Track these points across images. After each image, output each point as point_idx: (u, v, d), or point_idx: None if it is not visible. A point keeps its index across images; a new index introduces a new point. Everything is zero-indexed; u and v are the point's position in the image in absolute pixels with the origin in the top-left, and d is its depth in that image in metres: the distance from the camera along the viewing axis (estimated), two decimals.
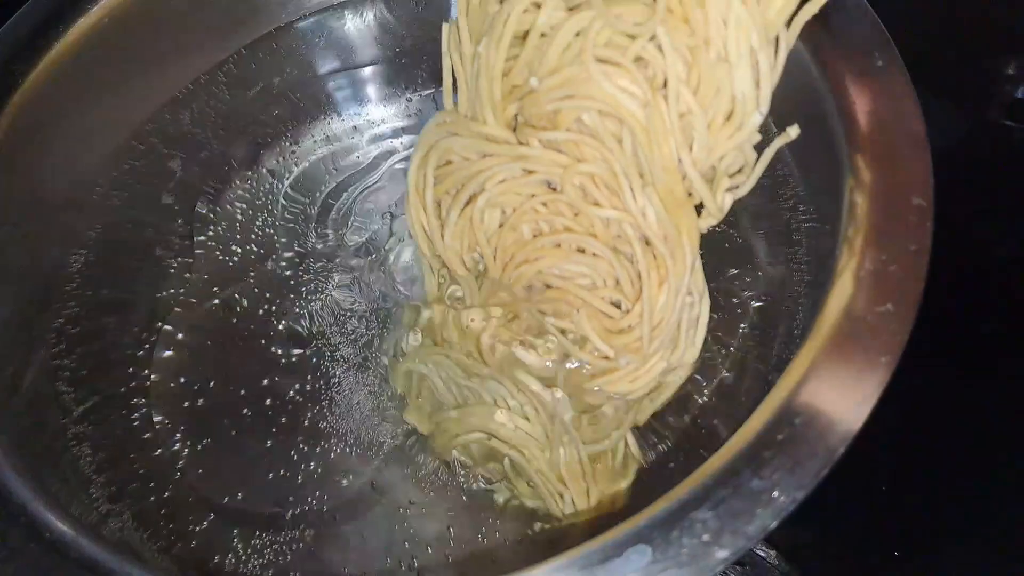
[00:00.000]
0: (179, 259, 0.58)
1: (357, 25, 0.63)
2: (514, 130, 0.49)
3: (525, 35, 0.45)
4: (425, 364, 0.54)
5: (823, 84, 0.46)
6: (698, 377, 0.50)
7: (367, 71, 0.64)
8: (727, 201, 0.44)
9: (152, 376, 0.54)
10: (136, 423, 0.53)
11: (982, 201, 0.61)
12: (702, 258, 0.46)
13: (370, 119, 0.65)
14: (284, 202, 0.60)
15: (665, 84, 0.42)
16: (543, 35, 0.44)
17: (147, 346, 0.55)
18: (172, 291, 0.57)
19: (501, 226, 0.50)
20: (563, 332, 0.49)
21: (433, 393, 0.54)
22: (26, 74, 0.53)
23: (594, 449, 0.49)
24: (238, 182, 0.61)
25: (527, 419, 0.50)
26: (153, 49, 0.57)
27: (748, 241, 0.53)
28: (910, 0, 0.60)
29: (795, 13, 0.40)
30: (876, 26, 0.46)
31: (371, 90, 0.64)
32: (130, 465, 0.50)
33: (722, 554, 0.33)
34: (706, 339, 0.48)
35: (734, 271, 0.52)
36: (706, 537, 0.34)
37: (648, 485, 0.48)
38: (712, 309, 0.48)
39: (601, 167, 0.45)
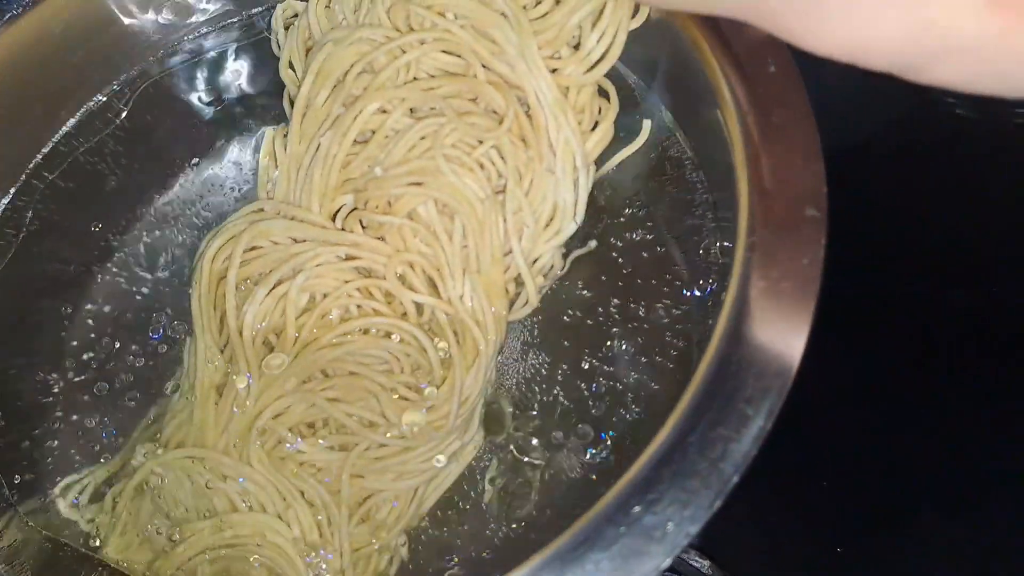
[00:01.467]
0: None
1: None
2: (332, 220, 0.50)
3: (369, 135, 0.51)
4: (166, 471, 0.49)
5: (718, 91, 0.46)
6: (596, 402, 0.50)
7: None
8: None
9: None
10: None
11: (921, 182, 0.60)
12: (623, 269, 0.50)
13: None
14: None
15: (504, 189, 0.47)
16: (387, 136, 0.48)
17: None
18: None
19: (307, 310, 0.49)
20: (353, 416, 0.48)
21: (152, 512, 0.50)
22: None
23: (361, 553, 0.48)
24: None
25: (287, 524, 0.48)
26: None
27: (666, 248, 0.53)
28: None
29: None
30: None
31: None
32: None
33: None
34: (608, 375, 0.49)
35: (653, 282, 0.52)
36: None
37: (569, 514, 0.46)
38: (632, 322, 0.50)
39: (427, 254, 0.48)
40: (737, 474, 0.37)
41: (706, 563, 0.51)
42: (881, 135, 0.66)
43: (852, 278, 0.48)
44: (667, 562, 0.35)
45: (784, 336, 0.39)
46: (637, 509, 0.36)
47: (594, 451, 0.49)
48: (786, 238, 0.41)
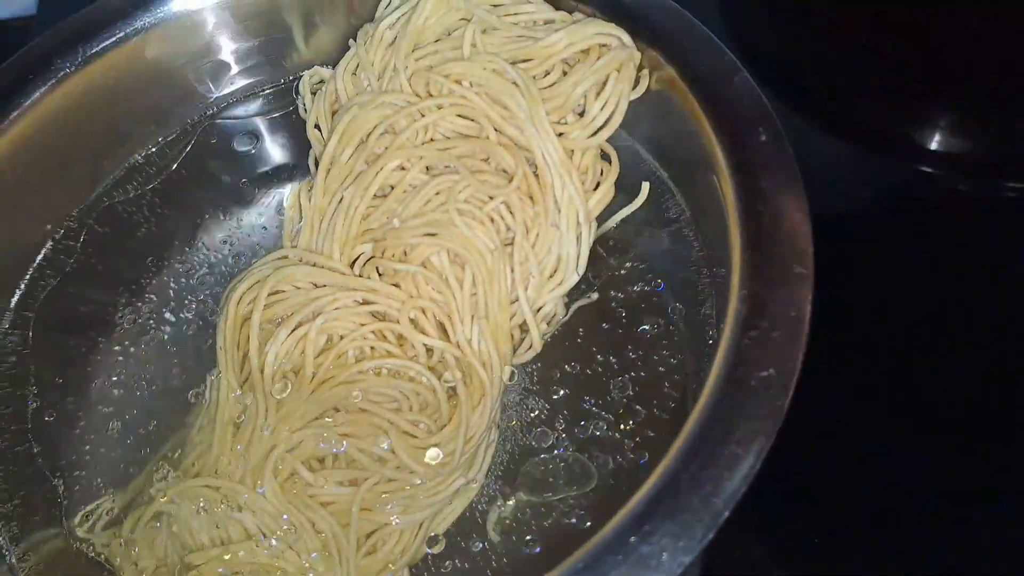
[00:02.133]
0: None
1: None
2: (351, 267, 0.54)
3: (389, 190, 0.55)
4: (182, 500, 0.52)
5: (714, 157, 0.49)
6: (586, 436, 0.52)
7: None
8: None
9: None
10: None
11: (898, 249, 0.63)
12: (623, 319, 0.53)
13: None
14: None
15: (512, 242, 0.51)
16: (404, 191, 0.52)
17: None
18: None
19: (325, 350, 0.52)
20: (363, 451, 0.52)
21: (167, 541, 0.52)
22: None
23: None
24: None
25: (297, 554, 0.50)
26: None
27: (663, 300, 0.55)
28: (837, 48, 0.65)
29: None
30: (759, 101, 0.49)
31: None
32: None
33: None
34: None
35: (646, 327, 0.55)
36: None
37: (569, 521, 0.49)
38: (631, 370, 0.53)
39: (438, 301, 0.52)
40: (727, 509, 0.39)
41: None
42: (870, 203, 0.69)
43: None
44: None
45: (774, 382, 0.42)
46: (633, 540, 0.39)
47: (590, 494, 0.52)
48: (776, 292, 0.44)
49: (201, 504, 0.52)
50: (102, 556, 0.52)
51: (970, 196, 0.71)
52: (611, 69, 0.53)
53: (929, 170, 0.71)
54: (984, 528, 0.55)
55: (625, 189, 0.58)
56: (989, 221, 0.68)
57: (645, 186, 0.56)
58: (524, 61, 0.54)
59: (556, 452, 0.53)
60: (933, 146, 0.70)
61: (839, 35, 0.75)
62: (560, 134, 0.53)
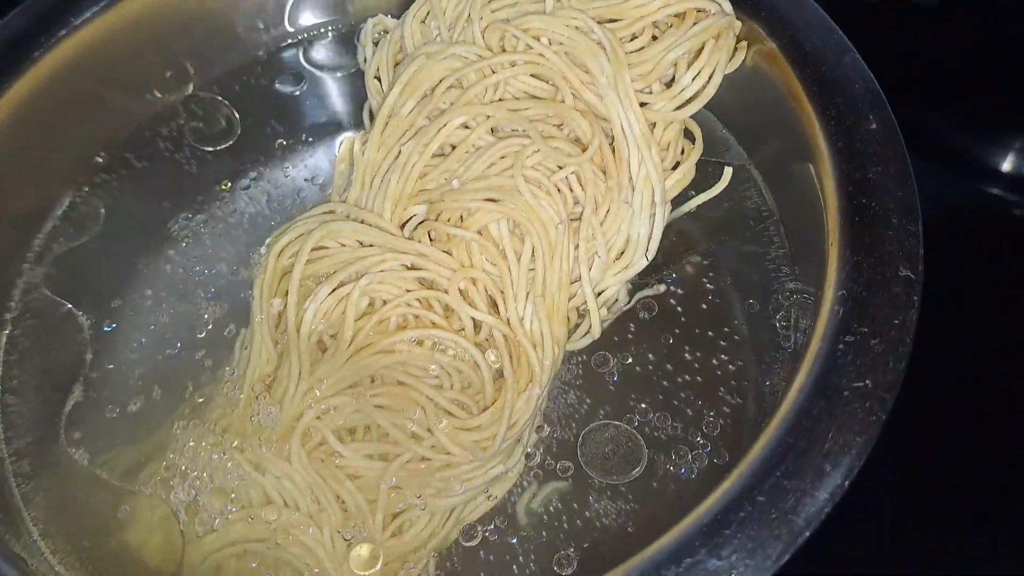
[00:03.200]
0: None
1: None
2: (401, 229, 0.49)
3: (450, 150, 0.51)
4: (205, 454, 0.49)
5: (814, 144, 0.45)
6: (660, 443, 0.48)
7: None
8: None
9: None
10: None
11: (971, 273, 0.60)
12: (681, 317, 0.48)
13: None
14: None
15: (580, 217, 0.46)
16: (467, 152, 0.47)
17: None
18: None
19: (366, 314, 0.48)
20: (398, 426, 0.47)
21: (183, 497, 0.49)
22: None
23: (390, 568, 0.46)
24: None
25: (319, 527, 0.47)
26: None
27: (728, 301, 0.51)
28: (914, 67, 0.63)
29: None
30: (871, 85, 0.45)
31: None
32: None
33: None
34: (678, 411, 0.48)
35: (710, 334, 0.51)
36: None
37: (608, 525, 0.45)
38: (685, 373, 0.49)
39: (492, 273, 0.47)
40: (808, 529, 0.35)
41: None
42: (937, 221, 0.65)
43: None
44: None
45: (870, 394, 0.37)
46: (702, 551, 0.34)
47: (632, 503, 0.47)
48: (877, 295, 0.40)
49: (222, 463, 0.48)
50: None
51: None
52: (708, 37, 0.48)
53: (999, 192, 0.69)
54: None
55: (704, 172, 0.52)
56: None
57: (728, 171, 0.51)
58: (611, 21, 0.50)
59: (601, 449, 0.49)
60: (1005, 168, 0.68)
61: (919, 48, 0.73)
62: (643, 104, 0.49)
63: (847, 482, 0.36)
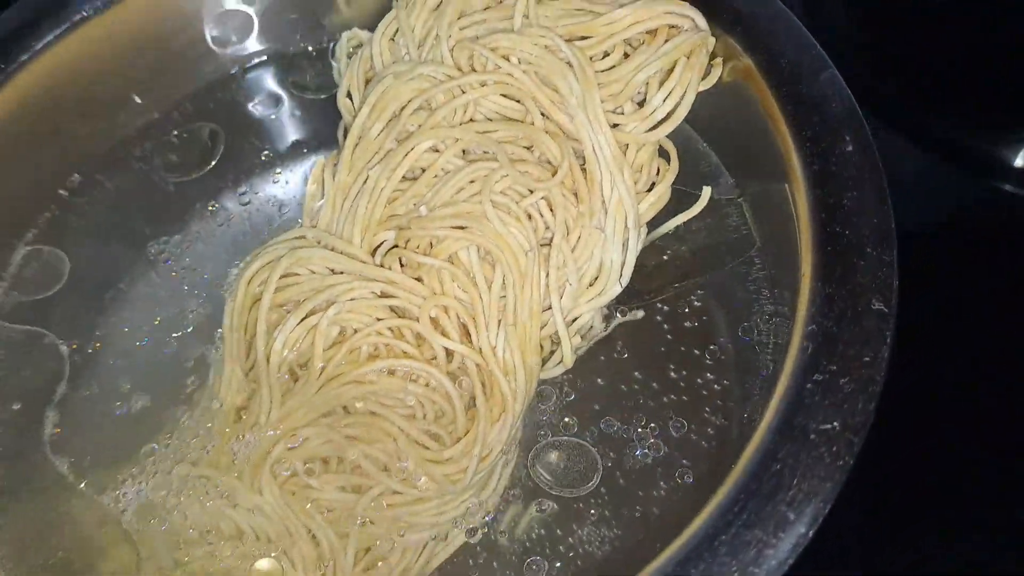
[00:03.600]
0: None
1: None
2: (372, 254, 0.48)
3: (419, 173, 0.50)
4: (178, 487, 0.48)
5: (789, 165, 0.44)
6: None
7: None
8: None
9: None
10: None
11: (982, 269, 0.59)
12: (669, 338, 0.48)
13: None
14: None
15: (550, 243, 0.45)
16: (436, 176, 0.46)
17: None
18: None
19: (337, 343, 0.47)
20: (370, 458, 0.47)
21: (159, 531, 0.48)
22: None
23: None
24: None
25: (291, 561, 0.46)
26: None
27: (713, 320, 0.50)
28: (925, 62, 0.62)
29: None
30: (848, 104, 0.43)
31: None
32: None
33: None
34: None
35: (696, 352, 0.50)
36: None
37: (589, 551, 0.45)
38: (671, 392, 0.48)
39: (463, 301, 0.46)
40: None
41: None
42: (946, 218, 0.65)
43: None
44: None
45: (838, 437, 0.36)
46: None
47: (616, 528, 0.46)
48: (848, 331, 0.38)
49: (195, 496, 0.47)
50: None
51: None
52: (680, 55, 0.46)
53: (1011, 188, 0.67)
54: None
55: (681, 193, 0.51)
56: None
57: (706, 191, 0.50)
58: (581, 39, 0.48)
59: (581, 474, 0.48)
60: (1018, 163, 0.67)
61: (926, 45, 0.70)
62: (615, 125, 0.47)
63: (811, 531, 0.34)
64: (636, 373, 0.50)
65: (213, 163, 0.60)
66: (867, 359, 0.37)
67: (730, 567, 0.34)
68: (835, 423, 0.36)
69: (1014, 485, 0.53)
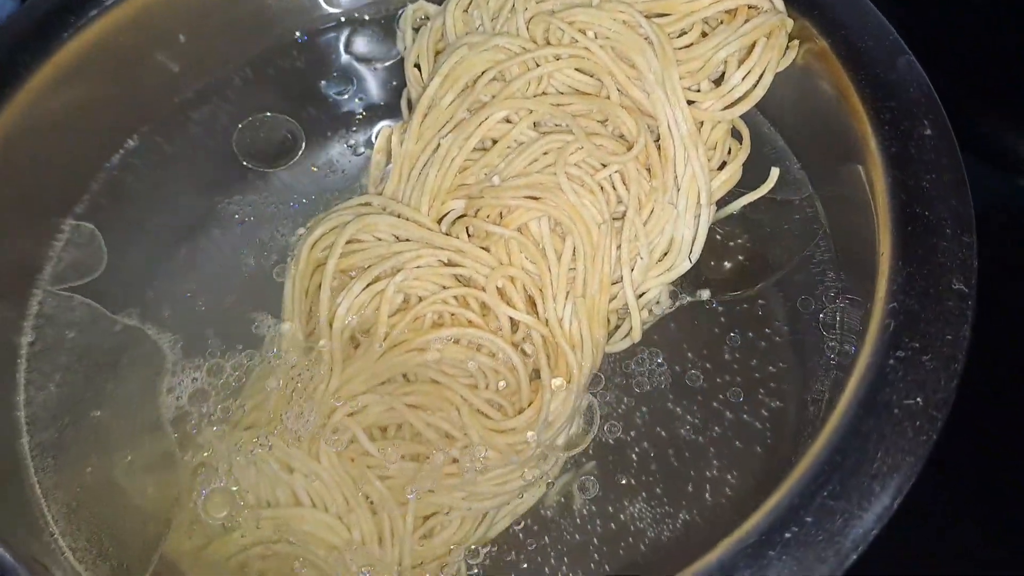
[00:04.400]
0: None
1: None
2: (439, 223, 0.48)
3: (490, 144, 0.50)
4: (232, 454, 0.48)
5: (865, 147, 0.44)
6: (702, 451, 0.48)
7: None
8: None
9: None
10: None
11: (1001, 263, 0.55)
12: (720, 318, 0.48)
13: None
14: None
15: (622, 217, 0.45)
16: (508, 147, 0.46)
17: None
18: None
19: (401, 310, 0.47)
20: (431, 426, 0.47)
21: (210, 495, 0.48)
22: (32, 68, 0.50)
23: (419, 571, 0.46)
24: None
25: (348, 528, 0.46)
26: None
27: (770, 303, 0.50)
28: (953, 62, 0.59)
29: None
30: (926, 90, 0.43)
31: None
32: None
33: None
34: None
35: (751, 335, 0.50)
36: None
37: (641, 527, 0.45)
38: (724, 374, 0.48)
39: (531, 272, 0.46)
40: (855, 552, 0.34)
41: None
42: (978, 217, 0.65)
43: None
44: None
45: (921, 413, 0.36)
46: (747, 573, 0.33)
47: (667, 506, 0.46)
48: (930, 309, 0.38)
49: (251, 462, 0.47)
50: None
51: None
52: (759, 35, 0.47)
53: None
54: None
55: (750, 172, 0.51)
56: None
57: (774, 172, 0.50)
58: (660, 16, 0.48)
59: (637, 453, 0.48)
60: None
61: (962, 41, 0.70)
62: (691, 102, 0.47)
63: (896, 503, 0.35)
64: (689, 354, 0.50)
65: (270, 125, 0.60)
66: (948, 337, 0.38)
67: (816, 536, 0.34)
68: (918, 398, 0.37)
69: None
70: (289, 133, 0.59)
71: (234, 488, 0.48)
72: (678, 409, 0.49)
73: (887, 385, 0.37)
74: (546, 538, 0.47)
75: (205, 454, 0.49)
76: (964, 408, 0.43)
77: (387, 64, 0.61)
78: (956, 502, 0.52)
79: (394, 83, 0.60)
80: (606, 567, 0.46)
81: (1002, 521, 0.52)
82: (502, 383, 0.48)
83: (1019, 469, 0.53)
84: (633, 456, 0.48)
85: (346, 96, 0.61)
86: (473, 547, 0.47)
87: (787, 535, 0.34)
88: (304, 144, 0.59)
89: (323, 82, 0.61)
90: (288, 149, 0.58)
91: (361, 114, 0.61)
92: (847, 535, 0.34)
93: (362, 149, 0.59)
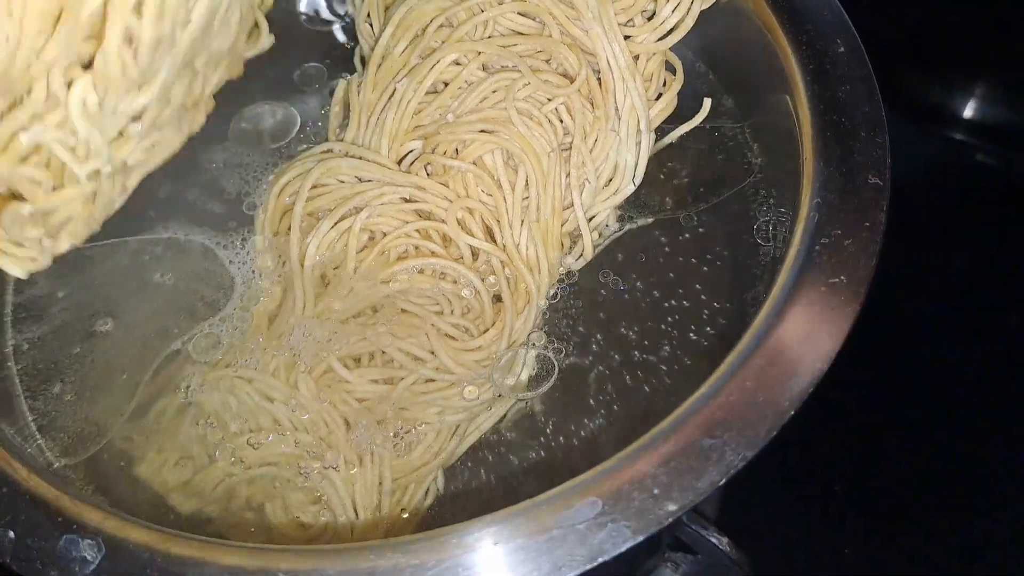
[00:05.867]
0: None
1: None
2: (399, 165, 0.52)
3: (442, 87, 0.53)
4: (212, 390, 0.50)
5: (788, 71, 0.49)
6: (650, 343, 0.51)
7: None
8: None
9: None
10: None
11: (938, 217, 0.64)
12: (664, 232, 0.52)
13: None
14: None
15: (569, 146, 0.49)
16: (460, 88, 0.50)
17: None
18: None
19: (367, 247, 0.50)
20: (403, 351, 0.50)
21: (192, 431, 0.50)
22: None
23: (399, 483, 0.49)
24: None
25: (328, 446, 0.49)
26: None
27: (709, 230, 0.54)
28: (875, 16, 0.61)
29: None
30: (837, 12, 0.49)
31: None
32: None
33: (671, 507, 0.36)
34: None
35: (694, 260, 0.54)
36: (656, 491, 0.36)
37: (601, 441, 0.47)
38: (671, 298, 0.52)
39: (487, 203, 0.50)
40: (792, 409, 0.38)
41: (724, 539, 0.50)
42: (904, 175, 0.69)
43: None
44: (722, 480, 0.36)
45: (844, 288, 0.41)
46: (697, 432, 0.37)
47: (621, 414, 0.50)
48: (849, 202, 0.43)
49: (231, 395, 0.50)
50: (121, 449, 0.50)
51: (1002, 164, 0.72)
52: None
53: (962, 138, 0.72)
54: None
55: (682, 103, 0.55)
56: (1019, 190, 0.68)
57: (707, 102, 0.54)
58: None
59: (593, 372, 0.51)
60: (967, 114, 0.72)
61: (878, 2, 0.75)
62: (627, 37, 0.51)
63: (826, 367, 0.39)
64: (638, 283, 0.54)
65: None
66: (867, 224, 0.42)
67: (757, 397, 0.38)
68: (842, 276, 0.41)
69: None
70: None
71: (217, 421, 0.50)
72: (630, 333, 0.53)
73: (815, 267, 0.41)
74: (511, 456, 0.50)
75: (187, 390, 0.51)
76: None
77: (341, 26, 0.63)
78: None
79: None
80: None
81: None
82: (466, 307, 0.51)
83: None
84: (590, 378, 0.52)
85: (299, 54, 0.63)
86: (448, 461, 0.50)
87: (731, 398, 0.38)
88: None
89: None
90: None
91: (317, 72, 0.63)
92: (785, 394, 0.38)
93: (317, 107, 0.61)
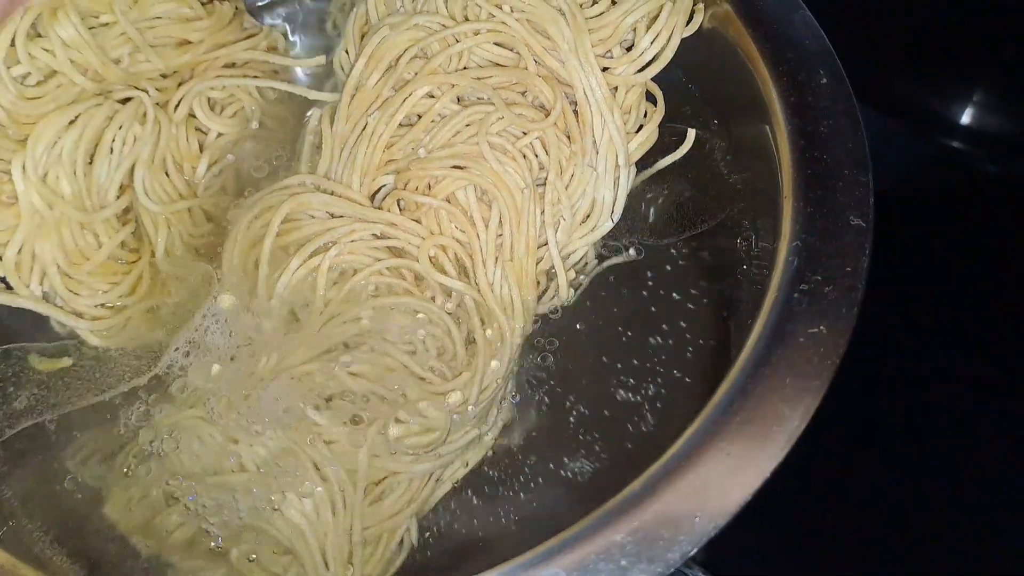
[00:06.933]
0: None
1: None
2: (371, 200, 0.50)
3: (416, 120, 0.52)
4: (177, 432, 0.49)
5: (768, 101, 0.47)
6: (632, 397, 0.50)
7: None
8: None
9: None
10: None
11: (931, 224, 0.63)
12: (648, 265, 0.50)
13: None
14: None
15: (545, 182, 0.47)
16: (432, 121, 0.48)
17: None
18: None
19: (337, 284, 0.49)
20: (374, 393, 0.49)
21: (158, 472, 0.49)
22: None
23: (371, 533, 0.47)
24: None
25: (299, 497, 0.47)
26: None
27: (693, 262, 0.53)
28: (872, 24, 0.66)
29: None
30: (821, 41, 0.47)
31: None
32: None
33: None
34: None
35: (676, 283, 0.52)
36: (623, 562, 0.34)
37: (570, 504, 0.46)
38: (656, 334, 0.50)
39: (461, 240, 0.48)
40: (770, 470, 0.36)
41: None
42: (900, 176, 0.67)
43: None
44: (693, 551, 0.34)
45: (825, 339, 0.39)
46: (668, 495, 0.35)
47: (604, 454, 0.48)
48: (830, 244, 0.41)
49: (195, 436, 0.48)
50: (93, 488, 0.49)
51: (999, 172, 0.71)
52: (665, 0, 0.49)
53: (959, 145, 0.71)
54: None
55: (667, 134, 0.53)
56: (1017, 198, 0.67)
57: (691, 133, 0.52)
58: None
59: (574, 413, 0.50)
60: (965, 121, 0.70)
61: (878, 8, 0.74)
62: (605, 69, 0.49)
63: (804, 424, 0.37)
64: (620, 313, 0.53)
65: None
66: (848, 269, 0.40)
67: (730, 459, 0.37)
68: (821, 327, 0.39)
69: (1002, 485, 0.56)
70: None
71: (179, 464, 0.49)
72: (612, 372, 0.51)
73: (792, 317, 0.40)
74: (491, 495, 0.48)
75: (150, 434, 0.49)
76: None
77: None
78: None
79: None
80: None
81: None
82: (439, 348, 0.50)
83: None
84: (570, 418, 0.50)
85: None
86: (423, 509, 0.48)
87: (705, 463, 0.36)
88: None
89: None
90: None
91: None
92: (761, 454, 0.36)
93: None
